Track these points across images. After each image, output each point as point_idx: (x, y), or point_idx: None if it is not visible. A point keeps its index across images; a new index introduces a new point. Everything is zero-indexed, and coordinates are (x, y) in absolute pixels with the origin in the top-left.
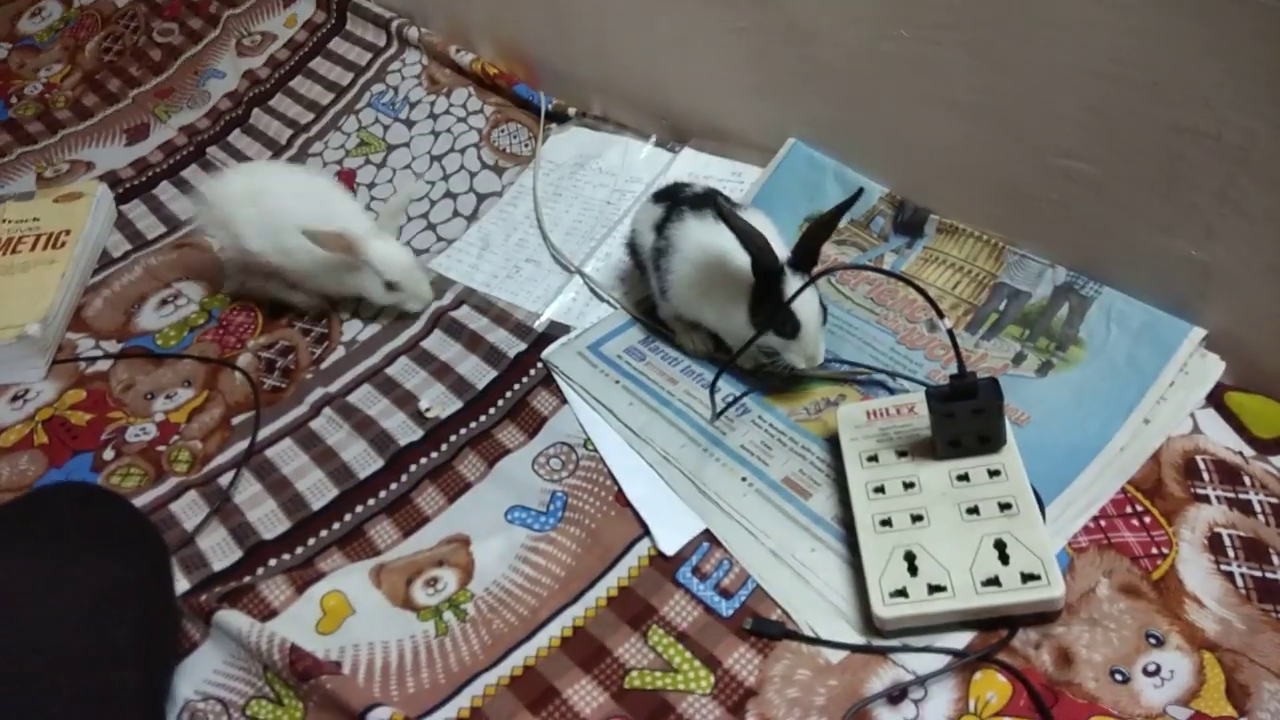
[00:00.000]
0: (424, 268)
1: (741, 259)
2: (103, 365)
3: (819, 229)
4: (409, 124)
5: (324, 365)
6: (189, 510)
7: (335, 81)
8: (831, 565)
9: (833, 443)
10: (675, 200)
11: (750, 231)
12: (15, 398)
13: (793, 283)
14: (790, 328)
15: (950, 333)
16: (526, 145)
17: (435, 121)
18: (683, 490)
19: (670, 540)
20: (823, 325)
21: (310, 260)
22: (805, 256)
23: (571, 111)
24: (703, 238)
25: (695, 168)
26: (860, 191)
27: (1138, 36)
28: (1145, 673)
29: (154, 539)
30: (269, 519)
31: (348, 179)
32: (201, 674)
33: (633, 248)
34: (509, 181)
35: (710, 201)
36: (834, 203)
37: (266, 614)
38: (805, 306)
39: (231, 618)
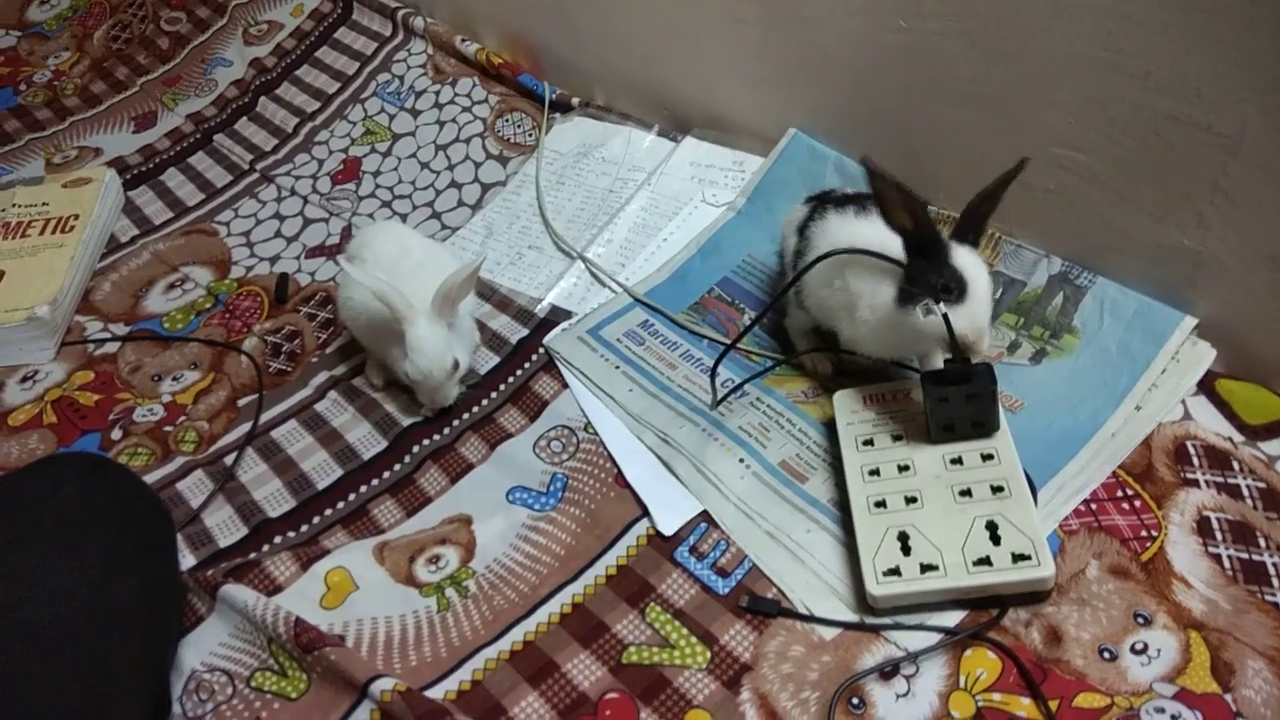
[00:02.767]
0: (455, 376)
1: (886, 246)
2: (111, 347)
3: (986, 199)
4: (414, 113)
5: (329, 349)
6: (195, 489)
7: (341, 70)
8: (826, 546)
9: (829, 427)
10: (822, 200)
11: (898, 185)
12: (25, 378)
13: (954, 249)
14: (956, 289)
15: (945, 318)
16: (530, 135)
17: (440, 111)
18: (681, 472)
19: (668, 521)
20: (991, 296)
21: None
22: (969, 226)
23: (575, 101)
24: (841, 234)
25: (697, 157)
26: (1024, 162)
27: (1132, 24)
28: (1133, 651)
29: (158, 510)
30: (274, 498)
31: (353, 168)
32: (208, 646)
33: (781, 256)
34: (513, 171)
35: (857, 199)
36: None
37: (271, 589)
38: (972, 267)
39: (237, 592)
